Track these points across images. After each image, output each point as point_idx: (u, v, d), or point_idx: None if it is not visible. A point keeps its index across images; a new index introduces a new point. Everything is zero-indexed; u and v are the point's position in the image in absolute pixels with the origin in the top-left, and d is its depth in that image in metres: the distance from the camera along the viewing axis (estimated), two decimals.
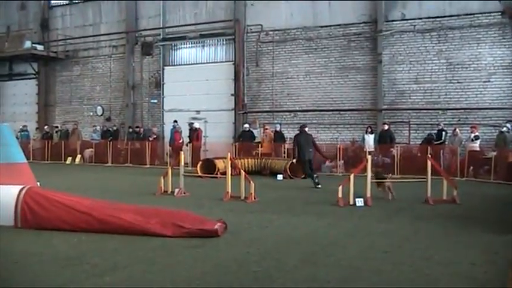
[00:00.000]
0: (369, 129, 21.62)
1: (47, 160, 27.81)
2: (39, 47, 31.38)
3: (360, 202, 11.55)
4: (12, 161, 14.48)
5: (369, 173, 12.01)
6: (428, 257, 6.85)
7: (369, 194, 11.77)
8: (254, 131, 24.00)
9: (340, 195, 11.67)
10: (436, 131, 21.06)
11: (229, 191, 12.71)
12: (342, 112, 23.76)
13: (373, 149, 20.68)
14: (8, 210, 8.67)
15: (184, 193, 13.50)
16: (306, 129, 17.25)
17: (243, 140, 23.59)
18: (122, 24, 29.66)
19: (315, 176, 16.01)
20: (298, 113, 24.67)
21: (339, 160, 21.24)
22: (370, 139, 21.30)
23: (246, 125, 24.13)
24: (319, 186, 15.51)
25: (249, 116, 25.71)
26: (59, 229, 8.34)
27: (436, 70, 22.01)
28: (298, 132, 17.62)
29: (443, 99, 21.90)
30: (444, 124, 21.05)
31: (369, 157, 12.58)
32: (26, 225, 8.58)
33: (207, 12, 27.11)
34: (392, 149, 20.64)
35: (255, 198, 12.39)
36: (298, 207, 11.66)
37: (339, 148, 21.44)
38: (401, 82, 22.63)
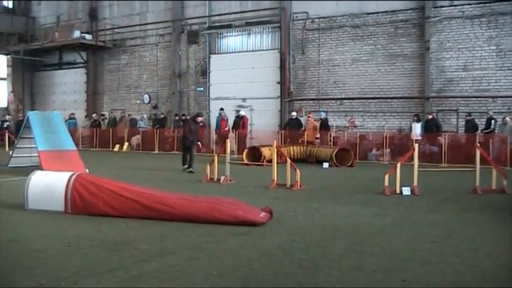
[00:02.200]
0: (416, 118, 21.28)
1: (95, 147, 28.34)
2: (88, 37, 32.00)
3: (406, 191, 11.39)
4: (63, 148, 14.98)
5: (416, 162, 11.85)
6: (476, 249, 6.75)
7: (415, 183, 11.63)
8: (301, 118, 23.94)
9: (386, 183, 11.55)
10: (469, 116, 20.67)
11: (275, 178, 12.74)
12: (388, 100, 23.46)
13: (420, 138, 20.39)
14: (58, 195, 8.89)
15: (230, 180, 13.57)
16: (198, 118, 17.65)
17: (290, 127, 23.57)
18: (168, 13, 29.93)
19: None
20: (345, 101, 24.46)
21: (386, 148, 21.05)
22: (417, 127, 20.97)
23: (294, 113, 24.07)
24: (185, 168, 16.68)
25: (295, 104, 25.65)
26: (107, 215, 8.50)
27: (486, 57, 21.46)
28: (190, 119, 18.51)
29: (493, 87, 21.37)
30: (494, 112, 20.60)
31: (416, 145, 12.41)
32: (75, 211, 8.77)
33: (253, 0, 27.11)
34: (439, 138, 20.31)
35: (300, 186, 12.39)
36: (344, 195, 11.62)
37: (386, 136, 21.23)
38: (449, 69, 22.16)
